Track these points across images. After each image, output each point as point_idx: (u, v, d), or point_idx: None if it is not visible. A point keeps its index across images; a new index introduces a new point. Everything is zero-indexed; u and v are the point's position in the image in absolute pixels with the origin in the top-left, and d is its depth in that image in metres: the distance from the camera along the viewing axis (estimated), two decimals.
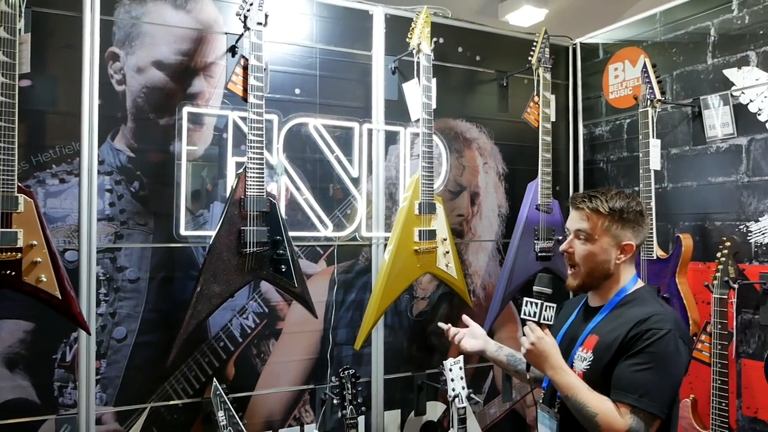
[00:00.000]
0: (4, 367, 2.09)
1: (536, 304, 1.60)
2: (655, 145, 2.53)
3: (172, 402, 2.33)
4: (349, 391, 2.31)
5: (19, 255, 1.83)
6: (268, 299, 2.50)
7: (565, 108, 3.26)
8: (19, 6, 1.84)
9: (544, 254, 2.75)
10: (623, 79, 3.00)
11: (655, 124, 2.54)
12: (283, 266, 2.21)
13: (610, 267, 1.63)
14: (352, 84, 2.69)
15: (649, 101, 2.52)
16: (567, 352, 1.62)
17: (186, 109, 2.35)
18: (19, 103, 1.81)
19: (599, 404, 1.48)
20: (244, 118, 2.37)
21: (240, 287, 2.19)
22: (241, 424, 2.14)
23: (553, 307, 1.61)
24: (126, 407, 2.26)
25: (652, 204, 2.49)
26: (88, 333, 2.11)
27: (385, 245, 2.61)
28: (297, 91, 2.56)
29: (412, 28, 2.54)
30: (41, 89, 2.14)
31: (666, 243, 2.65)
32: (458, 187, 2.93)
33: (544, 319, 1.60)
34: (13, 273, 1.83)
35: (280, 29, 2.50)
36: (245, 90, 2.18)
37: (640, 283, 1.68)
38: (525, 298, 1.62)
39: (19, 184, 1.83)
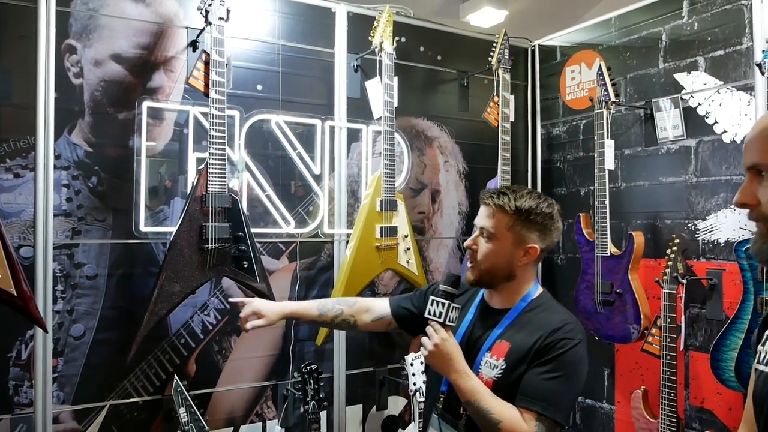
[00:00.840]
0: None
1: (443, 304, 1.51)
2: (609, 146, 2.62)
3: (132, 399, 2.30)
4: (312, 387, 2.33)
5: None
6: (229, 296, 2.48)
7: (524, 108, 3.33)
8: None
9: None
10: (579, 81, 3.09)
11: (609, 126, 2.63)
12: (245, 262, 2.21)
13: (511, 268, 1.57)
14: (315, 81, 2.70)
15: (603, 103, 2.61)
16: (470, 356, 1.55)
17: (146, 104, 2.32)
18: None
19: (503, 411, 1.44)
20: (205, 114, 2.36)
21: (201, 284, 2.18)
22: (202, 420, 2.13)
23: (458, 309, 1.54)
24: (84, 405, 2.23)
25: (606, 202, 2.58)
26: (45, 331, 2.06)
27: (347, 242, 2.63)
28: (259, 87, 2.56)
29: (375, 27, 2.57)
30: None
31: (619, 240, 2.74)
32: (419, 185, 2.97)
33: (449, 321, 1.52)
34: None
35: (242, 25, 2.49)
36: (207, 85, 2.17)
37: (541, 289, 1.65)
38: (431, 297, 1.54)
39: None
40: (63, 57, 2.19)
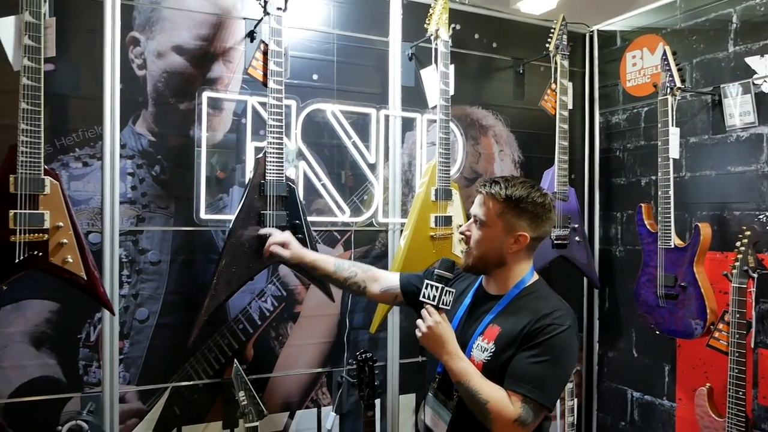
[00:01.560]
0: (31, 345, 2.14)
1: (437, 288, 1.56)
2: (674, 134, 2.52)
3: (192, 382, 2.38)
4: (366, 375, 2.34)
5: (46, 236, 1.87)
6: (286, 283, 2.53)
7: (581, 96, 3.24)
8: None
9: (560, 242, 2.76)
10: (641, 67, 2.98)
11: (674, 113, 2.53)
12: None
13: (501, 255, 1.60)
14: (369, 70, 2.70)
15: (668, 89, 2.51)
16: (463, 339, 1.60)
17: (206, 94, 2.37)
18: (44, 87, 1.84)
19: (491, 392, 1.48)
20: (262, 104, 2.39)
21: (259, 271, 2.22)
22: (261, 404, 2.19)
23: (452, 293, 1.58)
24: (148, 386, 2.31)
25: (671, 192, 2.49)
26: (113, 313, 2.15)
27: (401, 231, 2.63)
28: (315, 76, 2.58)
29: (430, 14, 2.54)
30: (64, 73, 2.17)
31: (683, 232, 2.65)
32: (474, 174, 2.93)
33: (442, 304, 1.56)
34: (40, 254, 1.87)
35: (298, 15, 2.51)
36: (265, 75, 2.20)
37: (536, 276, 1.67)
38: (426, 281, 1.58)
39: (45, 166, 1.87)
40: (127, 49, 2.26)
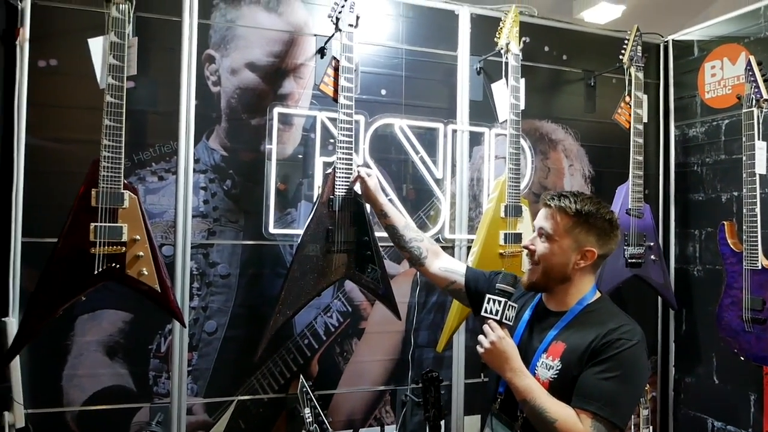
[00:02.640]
0: (104, 354, 2.20)
1: (499, 302, 1.52)
2: (761, 148, 2.38)
3: (258, 396, 2.38)
4: (432, 394, 2.29)
5: (124, 249, 1.92)
6: (351, 298, 2.51)
7: (656, 108, 3.12)
8: (129, 12, 1.93)
9: (634, 260, 2.64)
10: (721, 78, 2.85)
11: (760, 126, 2.39)
12: (368, 266, 2.21)
13: (567, 270, 1.55)
14: (437, 84, 2.68)
15: (754, 101, 2.38)
16: (525, 357, 1.54)
17: (276, 110, 2.40)
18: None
19: (559, 410, 1.42)
20: (331, 119, 2.40)
21: (327, 286, 2.20)
22: (326, 422, 2.16)
23: (515, 308, 1.54)
24: (215, 399, 2.33)
25: (757, 210, 2.35)
26: (184, 325, 2.18)
27: (469, 247, 2.58)
28: (383, 91, 2.57)
29: (500, 28, 2.50)
30: (143, 90, 2.23)
31: None
32: (543, 190, 2.85)
33: (505, 319, 1.52)
34: (118, 266, 1.92)
35: (367, 30, 2.51)
36: (336, 91, 2.20)
37: (598, 294, 1.61)
38: (488, 295, 1.55)
39: (124, 180, 1.92)
40: (203, 66, 2.31)
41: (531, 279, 1.60)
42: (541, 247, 1.58)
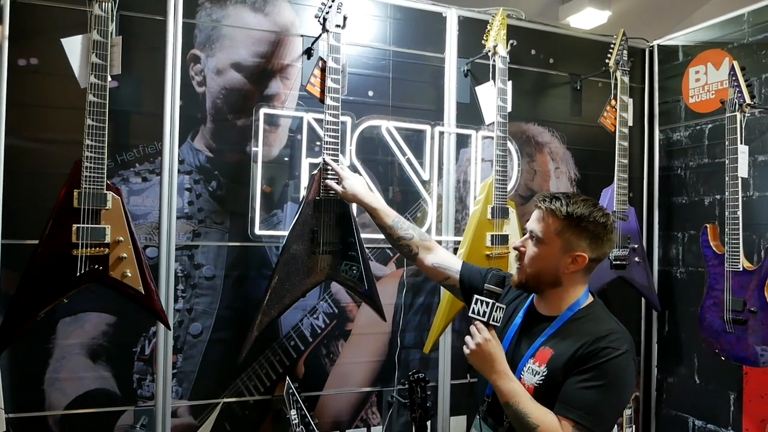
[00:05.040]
0: (87, 357, 2.17)
1: (487, 303, 1.50)
2: (743, 152, 2.41)
3: (244, 398, 2.36)
4: (419, 395, 2.29)
5: (107, 250, 1.90)
6: (338, 300, 2.51)
7: (641, 112, 3.14)
8: (111, 10, 1.91)
9: (618, 263, 2.67)
10: (705, 83, 2.88)
11: (743, 130, 2.42)
12: (354, 268, 2.21)
13: (557, 275, 1.53)
14: (425, 86, 2.68)
15: (737, 105, 2.41)
16: (513, 361, 1.54)
17: (263, 111, 2.38)
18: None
19: (541, 416, 1.41)
20: (318, 120, 2.39)
21: (312, 287, 2.19)
22: (313, 424, 2.15)
23: (503, 309, 1.52)
24: (200, 401, 2.31)
25: (739, 213, 2.38)
26: (168, 328, 2.16)
27: (455, 249, 2.58)
28: (370, 93, 2.57)
29: (488, 30, 2.51)
30: (126, 90, 2.20)
31: (751, 254, 2.53)
32: (529, 192, 2.87)
33: (493, 320, 1.50)
34: (101, 267, 1.90)
35: (354, 31, 2.50)
36: (322, 92, 2.19)
37: (591, 298, 1.59)
38: (475, 296, 1.52)
39: (107, 181, 1.90)
40: (188, 66, 2.29)
41: (520, 278, 1.59)
42: (530, 250, 1.56)
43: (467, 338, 1.52)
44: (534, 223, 1.57)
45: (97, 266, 1.89)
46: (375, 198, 2.06)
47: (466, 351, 1.51)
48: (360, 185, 2.07)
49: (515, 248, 1.61)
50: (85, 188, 1.86)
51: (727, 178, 2.43)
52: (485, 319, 1.50)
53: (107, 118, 1.88)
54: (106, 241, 1.89)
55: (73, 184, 1.86)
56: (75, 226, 1.85)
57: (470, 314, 1.52)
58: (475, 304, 1.52)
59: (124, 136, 2.22)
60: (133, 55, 2.21)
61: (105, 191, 1.89)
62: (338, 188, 2.07)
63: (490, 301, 1.50)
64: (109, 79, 1.89)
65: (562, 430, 1.40)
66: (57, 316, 2.12)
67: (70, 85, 1.98)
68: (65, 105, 2.09)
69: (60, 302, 1.90)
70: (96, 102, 1.87)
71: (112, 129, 2.16)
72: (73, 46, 1.96)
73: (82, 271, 1.86)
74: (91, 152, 1.86)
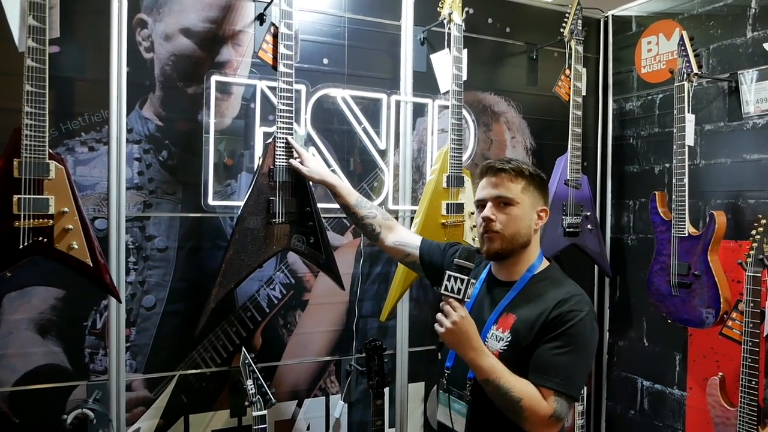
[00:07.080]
0: (36, 333, 2.11)
1: (462, 280, 1.44)
2: (690, 121, 2.47)
3: (200, 370, 2.35)
4: (376, 363, 2.31)
5: (51, 222, 1.83)
6: (294, 270, 2.50)
7: (595, 82, 3.19)
8: None
9: (572, 230, 2.72)
10: (656, 53, 2.93)
11: (690, 99, 2.48)
12: (311, 238, 2.20)
13: (530, 233, 1.58)
14: (381, 54, 2.64)
15: (685, 75, 2.46)
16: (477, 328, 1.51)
17: (214, 78, 2.32)
18: (49, 69, 1.79)
19: (523, 389, 1.42)
20: (272, 88, 2.34)
21: (268, 258, 2.17)
22: (269, 393, 2.16)
23: (474, 284, 1.50)
24: (155, 374, 2.28)
25: (686, 180, 2.45)
26: (119, 301, 2.12)
27: (412, 218, 2.59)
28: (325, 60, 2.52)
29: None
30: (69, 56, 2.11)
31: (697, 220, 2.61)
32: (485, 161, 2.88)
33: (467, 297, 1.45)
34: (45, 240, 1.83)
35: None
36: (275, 58, 2.14)
37: (547, 262, 1.64)
38: (447, 272, 1.46)
39: (50, 150, 1.83)
40: (134, 31, 2.21)
41: (496, 247, 1.56)
42: (502, 215, 1.55)
43: (440, 316, 1.45)
44: (494, 190, 1.56)
45: (41, 238, 1.83)
46: (337, 178, 2.07)
47: (440, 330, 1.45)
48: (322, 165, 2.10)
49: (485, 218, 1.56)
50: (26, 157, 1.78)
51: (674, 147, 2.49)
52: (460, 297, 1.45)
53: (48, 84, 1.79)
54: (50, 213, 1.82)
55: (12, 153, 1.78)
56: (16, 197, 1.77)
57: (443, 291, 1.47)
58: (448, 281, 1.46)
59: (69, 103, 2.13)
60: (76, 18, 2.11)
61: (47, 160, 1.81)
62: (303, 169, 2.07)
63: (465, 277, 1.45)
64: (48, 42, 1.81)
65: (544, 400, 1.42)
66: (2, 291, 2.05)
67: (7, 49, 1.88)
68: (5, 71, 1.99)
69: (3, 276, 1.84)
70: (35, 67, 1.78)
71: (55, 96, 2.08)
72: (11, 7, 1.86)
73: (25, 244, 1.80)
74: (31, 119, 1.78)
